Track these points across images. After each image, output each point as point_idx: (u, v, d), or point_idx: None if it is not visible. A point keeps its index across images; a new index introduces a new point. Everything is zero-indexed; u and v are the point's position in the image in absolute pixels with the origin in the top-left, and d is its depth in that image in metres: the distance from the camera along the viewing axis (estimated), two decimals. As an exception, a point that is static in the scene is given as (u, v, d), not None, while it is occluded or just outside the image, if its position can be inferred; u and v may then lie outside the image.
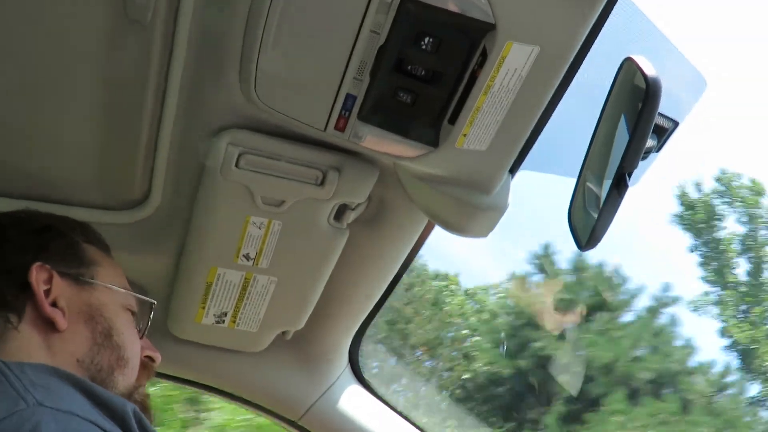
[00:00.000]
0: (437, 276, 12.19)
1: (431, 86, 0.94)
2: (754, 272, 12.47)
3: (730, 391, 10.51)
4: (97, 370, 0.96)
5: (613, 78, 1.00)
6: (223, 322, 1.39)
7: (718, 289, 12.42)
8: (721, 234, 12.74)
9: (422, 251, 1.30)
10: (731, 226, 12.77)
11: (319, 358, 1.59)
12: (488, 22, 0.86)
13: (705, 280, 12.65)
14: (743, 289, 12.31)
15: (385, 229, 1.26)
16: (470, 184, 1.06)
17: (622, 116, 0.97)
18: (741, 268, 12.61)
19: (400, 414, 1.66)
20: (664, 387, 9.97)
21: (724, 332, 11.78)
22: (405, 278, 1.42)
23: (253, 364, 1.56)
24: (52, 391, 0.80)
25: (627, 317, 10.71)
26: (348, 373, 1.66)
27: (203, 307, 1.35)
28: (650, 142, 0.95)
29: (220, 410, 6.58)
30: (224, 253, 1.24)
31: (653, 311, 10.73)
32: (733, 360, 11.26)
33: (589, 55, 0.94)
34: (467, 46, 0.89)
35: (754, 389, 10.94)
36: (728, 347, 11.55)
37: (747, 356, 11.30)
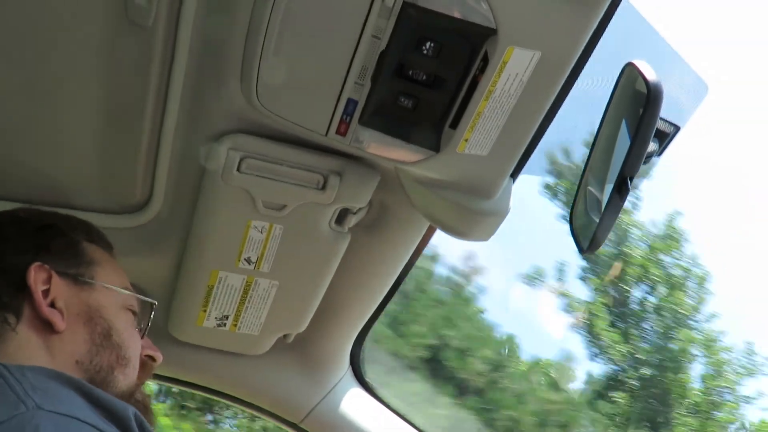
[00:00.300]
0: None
1: (433, 91, 0.94)
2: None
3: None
4: (96, 370, 0.96)
5: (614, 83, 1.00)
6: (225, 325, 1.39)
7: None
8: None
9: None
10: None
11: (320, 361, 1.59)
12: (489, 27, 0.86)
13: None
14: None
15: (387, 234, 1.26)
16: (471, 189, 1.06)
17: (624, 121, 0.97)
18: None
19: (402, 417, 1.66)
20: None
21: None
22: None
23: (255, 367, 1.57)
24: (52, 395, 0.80)
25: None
26: (349, 376, 1.66)
27: (204, 311, 1.35)
28: (652, 147, 0.95)
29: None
30: (225, 257, 1.25)
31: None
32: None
33: (590, 60, 0.94)
34: (468, 51, 0.89)
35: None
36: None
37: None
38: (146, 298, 1.10)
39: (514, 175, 1.10)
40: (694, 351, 8.86)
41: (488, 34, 0.87)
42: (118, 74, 1.00)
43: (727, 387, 8.77)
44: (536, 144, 1.04)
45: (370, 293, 1.40)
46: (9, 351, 0.91)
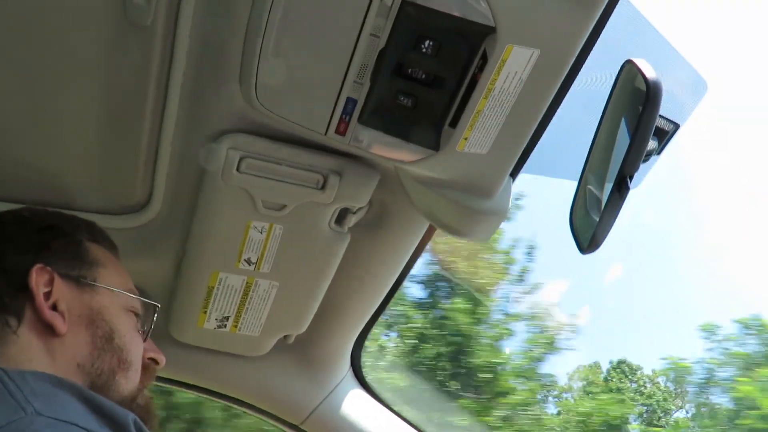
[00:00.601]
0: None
1: (432, 90, 0.94)
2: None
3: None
4: (98, 374, 0.95)
5: (613, 81, 1.00)
6: (225, 326, 1.39)
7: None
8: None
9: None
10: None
11: (321, 362, 1.59)
12: (488, 25, 0.86)
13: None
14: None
15: (387, 233, 1.26)
16: (471, 188, 1.06)
17: (623, 119, 0.97)
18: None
19: (403, 418, 1.66)
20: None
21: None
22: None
23: (255, 368, 1.56)
24: (52, 401, 0.79)
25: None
26: (350, 376, 1.66)
27: (205, 312, 1.35)
28: (651, 145, 0.95)
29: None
30: (226, 258, 1.24)
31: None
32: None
33: (589, 57, 0.94)
34: (467, 49, 0.89)
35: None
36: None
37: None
38: (149, 301, 1.09)
39: (514, 174, 1.10)
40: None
41: (487, 32, 0.87)
42: (118, 74, 1.00)
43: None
44: (536, 142, 1.04)
45: (371, 293, 1.40)
46: (10, 354, 0.91)
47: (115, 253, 1.09)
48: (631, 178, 0.93)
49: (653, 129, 0.92)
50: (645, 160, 0.95)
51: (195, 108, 1.04)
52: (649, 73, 0.91)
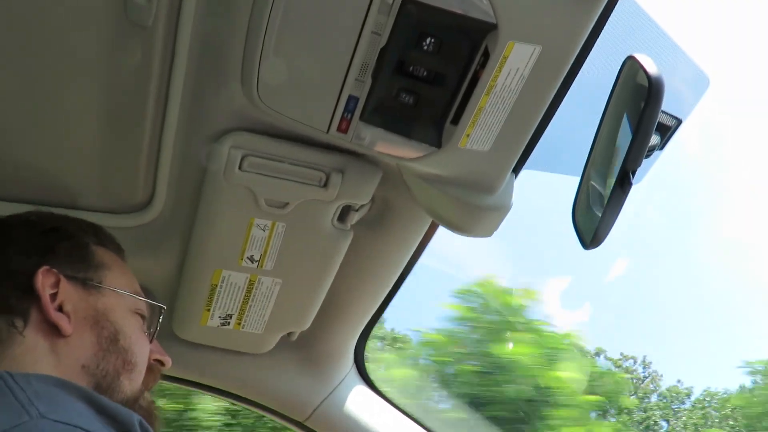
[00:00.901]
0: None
1: (433, 87, 0.94)
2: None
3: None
4: (103, 375, 0.95)
5: (615, 76, 1.00)
6: (229, 324, 1.39)
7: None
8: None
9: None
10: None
11: (324, 359, 1.59)
12: (490, 22, 0.86)
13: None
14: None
15: (389, 230, 1.26)
16: (474, 185, 1.06)
17: (625, 115, 0.97)
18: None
19: (407, 414, 1.66)
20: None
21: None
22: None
23: (259, 365, 1.57)
24: (56, 403, 0.79)
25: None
26: (354, 373, 1.66)
27: (208, 310, 1.35)
28: (654, 140, 0.95)
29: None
30: (229, 256, 1.25)
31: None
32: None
33: (591, 53, 0.94)
34: (469, 46, 0.89)
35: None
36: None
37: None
38: (155, 303, 1.10)
39: (516, 170, 1.10)
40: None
41: (488, 29, 0.87)
42: (119, 74, 1.00)
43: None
44: (538, 139, 1.04)
45: (374, 290, 1.40)
46: (16, 355, 0.91)
47: (122, 255, 1.10)
48: (633, 173, 0.93)
49: (655, 125, 0.91)
50: (647, 156, 0.95)
51: (197, 107, 1.05)
52: (651, 68, 0.90)
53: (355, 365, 1.65)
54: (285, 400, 1.62)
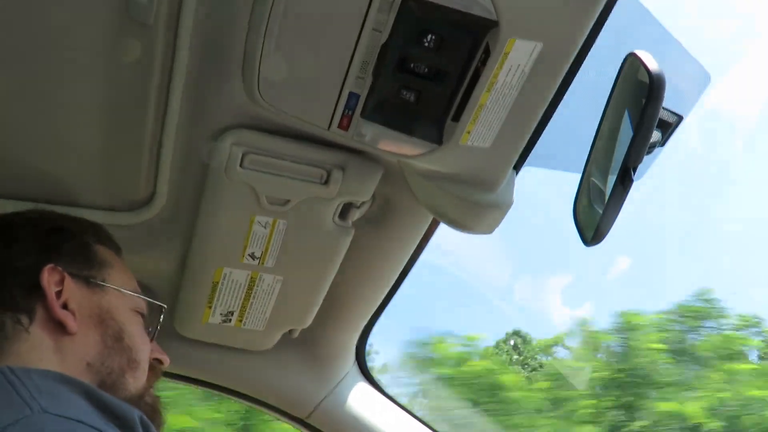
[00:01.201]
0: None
1: (434, 84, 0.94)
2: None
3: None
4: (107, 373, 0.96)
5: (616, 73, 1.00)
6: (230, 321, 1.39)
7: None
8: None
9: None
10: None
11: (326, 356, 1.60)
12: (491, 19, 0.86)
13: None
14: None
15: (390, 227, 1.26)
16: (475, 181, 1.06)
17: (626, 111, 0.97)
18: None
19: (408, 411, 1.66)
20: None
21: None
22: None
23: (260, 362, 1.57)
24: (57, 398, 0.80)
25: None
26: (355, 370, 1.66)
27: (210, 307, 1.36)
28: (655, 137, 0.95)
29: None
30: (230, 253, 1.25)
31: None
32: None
33: (592, 50, 0.94)
34: (470, 43, 0.89)
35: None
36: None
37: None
38: (156, 302, 1.10)
39: (517, 167, 1.10)
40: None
41: (489, 26, 0.87)
42: (120, 72, 1.00)
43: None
44: (539, 136, 1.04)
45: (375, 287, 1.40)
46: (21, 352, 0.92)
47: (120, 254, 1.11)
48: (634, 170, 0.93)
49: (656, 121, 0.91)
50: (648, 152, 0.95)
51: (198, 104, 1.05)
52: (652, 65, 0.90)
53: (356, 362, 1.65)
54: (286, 397, 1.63)
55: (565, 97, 1.00)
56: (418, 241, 1.29)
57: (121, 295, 1.03)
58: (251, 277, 1.30)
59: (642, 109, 0.91)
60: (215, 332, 1.43)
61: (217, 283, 1.30)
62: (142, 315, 1.06)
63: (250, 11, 0.90)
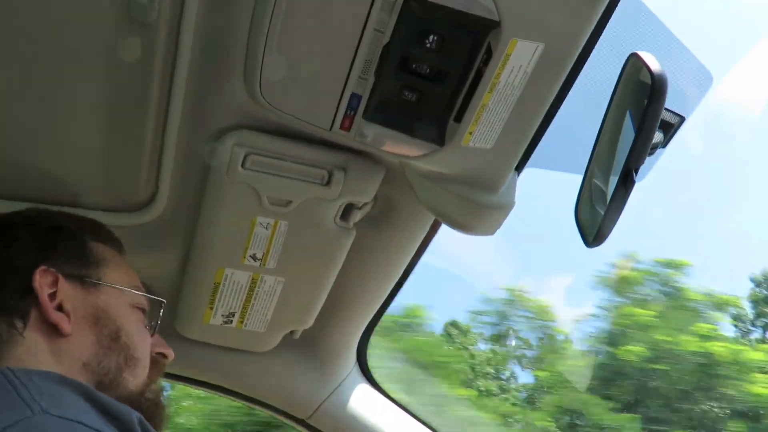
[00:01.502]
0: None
1: (436, 84, 0.94)
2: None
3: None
4: (105, 372, 0.96)
5: (618, 74, 1.00)
6: (231, 322, 1.39)
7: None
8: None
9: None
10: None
11: (327, 357, 1.59)
12: (493, 19, 0.86)
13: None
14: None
15: (392, 228, 1.26)
16: (477, 182, 1.06)
17: (628, 112, 0.96)
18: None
19: (409, 412, 1.66)
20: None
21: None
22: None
23: (262, 363, 1.57)
24: (58, 399, 0.80)
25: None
26: (356, 371, 1.66)
27: (211, 308, 1.36)
28: (657, 138, 0.95)
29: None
30: (231, 254, 1.25)
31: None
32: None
33: (594, 51, 0.94)
34: (472, 43, 0.89)
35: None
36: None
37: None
38: (154, 297, 1.10)
39: (519, 168, 1.10)
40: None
41: (491, 26, 0.87)
42: (122, 72, 1.00)
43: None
44: (541, 136, 1.04)
45: (376, 288, 1.40)
46: (17, 355, 0.91)
47: (121, 250, 1.10)
48: (636, 171, 0.93)
49: (659, 122, 0.91)
50: (650, 154, 0.95)
51: (199, 105, 1.05)
52: (655, 66, 0.90)
53: (357, 363, 1.65)
54: (287, 398, 1.63)
55: (567, 98, 1.00)
56: (419, 242, 1.29)
57: (119, 292, 1.02)
58: (252, 279, 1.30)
59: (644, 110, 0.90)
60: (216, 333, 1.43)
61: (219, 284, 1.30)
62: (143, 310, 1.05)
63: (252, 11, 0.90)
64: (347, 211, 1.20)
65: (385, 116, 0.98)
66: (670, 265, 9.37)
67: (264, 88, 0.96)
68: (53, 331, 0.94)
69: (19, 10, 0.93)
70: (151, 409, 1.00)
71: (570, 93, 0.99)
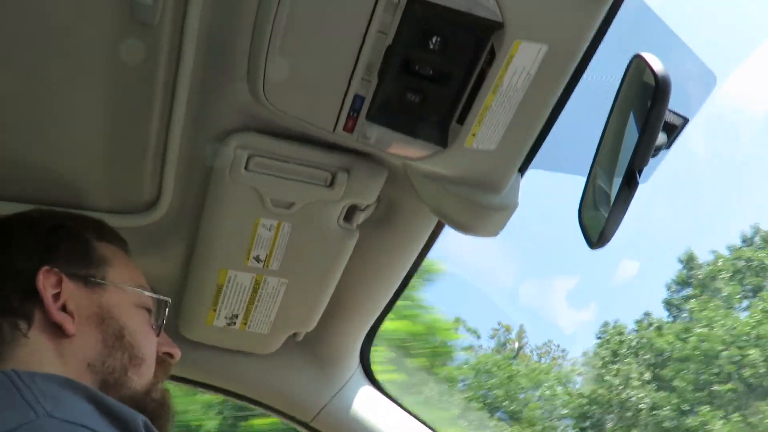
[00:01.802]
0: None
1: (439, 86, 0.94)
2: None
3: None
4: (109, 372, 0.95)
5: (622, 75, 1.00)
6: (234, 324, 1.39)
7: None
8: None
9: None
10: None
11: (330, 360, 1.59)
12: (496, 21, 0.86)
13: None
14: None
15: (395, 230, 1.26)
16: (480, 184, 1.06)
17: (632, 113, 0.96)
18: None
19: (412, 414, 1.66)
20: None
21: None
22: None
23: (265, 365, 1.57)
24: (62, 402, 0.80)
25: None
26: (359, 373, 1.66)
27: (214, 310, 1.36)
28: (660, 139, 0.94)
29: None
30: (235, 256, 1.25)
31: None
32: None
33: (597, 52, 0.94)
34: (475, 45, 0.89)
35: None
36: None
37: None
38: (160, 297, 1.09)
39: (523, 169, 1.10)
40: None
41: (495, 27, 0.87)
42: (124, 73, 1.00)
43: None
44: (544, 138, 1.04)
45: (380, 290, 1.40)
46: (21, 357, 0.91)
47: (125, 249, 1.10)
48: (640, 172, 0.93)
49: (662, 123, 0.91)
50: (654, 155, 0.95)
51: (203, 106, 1.05)
52: (658, 67, 0.90)
53: (361, 365, 1.65)
54: (290, 400, 1.62)
55: (570, 99, 1.00)
56: (422, 244, 1.29)
57: (123, 291, 1.02)
58: (256, 280, 1.30)
59: (647, 111, 0.90)
60: (220, 335, 1.43)
61: (222, 285, 1.30)
62: (148, 310, 1.05)
63: (256, 13, 0.90)
64: (350, 212, 1.20)
65: (388, 118, 0.98)
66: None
67: (267, 90, 0.96)
68: (57, 331, 0.94)
69: (22, 13, 0.93)
70: (157, 409, 1.00)
71: (573, 94, 0.99)
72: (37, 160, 1.14)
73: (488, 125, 0.96)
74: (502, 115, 0.95)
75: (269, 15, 0.88)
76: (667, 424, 12.44)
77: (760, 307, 13.21)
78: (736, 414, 11.92)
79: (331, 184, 1.12)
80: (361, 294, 1.41)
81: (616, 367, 13.44)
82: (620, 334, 13.94)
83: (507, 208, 1.09)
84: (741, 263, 14.45)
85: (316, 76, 0.95)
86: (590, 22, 0.86)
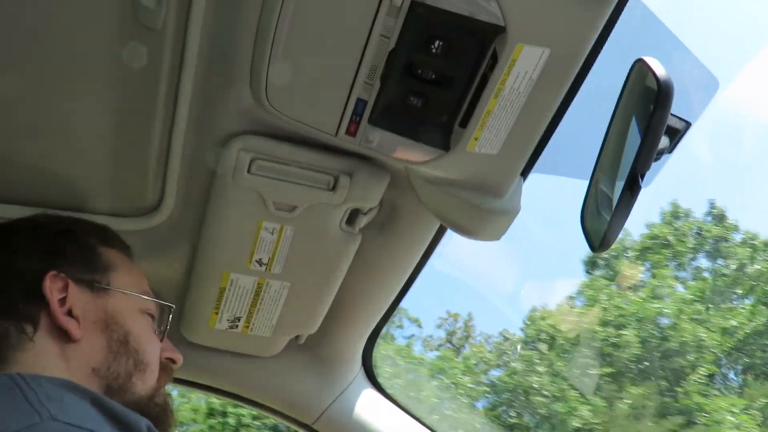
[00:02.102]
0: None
1: (442, 90, 0.94)
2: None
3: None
4: (114, 377, 0.96)
5: (624, 80, 1.00)
6: (237, 327, 1.39)
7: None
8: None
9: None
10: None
11: (332, 362, 1.59)
12: (498, 24, 0.86)
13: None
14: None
15: (398, 234, 1.26)
16: (482, 188, 1.06)
17: (634, 118, 0.96)
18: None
19: (415, 417, 1.66)
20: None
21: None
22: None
23: (267, 368, 1.57)
24: (67, 406, 0.80)
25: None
26: (362, 376, 1.66)
27: (216, 313, 1.36)
28: (663, 143, 0.94)
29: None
30: (237, 259, 1.25)
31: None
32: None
33: (599, 56, 0.94)
34: (477, 49, 0.89)
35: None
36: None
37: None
38: (163, 302, 1.10)
39: (525, 173, 1.10)
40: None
41: (497, 32, 0.87)
42: (128, 77, 1.00)
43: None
44: (546, 142, 1.04)
45: (382, 294, 1.40)
46: (26, 360, 0.92)
47: (129, 254, 1.10)
48: (642, 177, 0.93)
49: (665, 128, 0.91)
50: (656, 159, 0.95)
51: (205, 110, 1.05)
52: (660, 72, 0.90)
53: (363, 368, 1.65)
54: (293, 403, 1.62)
55: (572, 103, 1.00)
56: (425, 248, 1.29)
57: (127, 297, 1.02)
58: (258, 283, 1.30)
59: (650, 116, 0.90)
60: (222, 338, 1.43)
61: (224, 288, 1.30)
62: (152, 315, 1.06)
63: (258, 17, 0.90)
64: (353, 216, 1.20)
65: (390, 121, 0.98)
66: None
67: (270, 94, 0.96)
68: (63, 336, 0.94)
69: (26, 16, 0.93)
70: (160, 414, 1.00)
71: (576, 98, 0.99)
72: (41, 163, 1.14)
73: (490, 129, 0.96)
74: (505, 119, 0.95)
75: (272, 19, 0.89)
76: (542, 410, 12.29)
77: (650, 287, 13.10)
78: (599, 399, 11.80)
79: (334, 187, 1.12)
80: (363, 297, 1.41)
81: (525, 353, 13.37)
82: (543, 319, 13.76)
83: (509, 212, 1.09)
84: (649, 242, 14.24)
85: (319, 80, 0.95)
86: (592, 26, 0.86)
